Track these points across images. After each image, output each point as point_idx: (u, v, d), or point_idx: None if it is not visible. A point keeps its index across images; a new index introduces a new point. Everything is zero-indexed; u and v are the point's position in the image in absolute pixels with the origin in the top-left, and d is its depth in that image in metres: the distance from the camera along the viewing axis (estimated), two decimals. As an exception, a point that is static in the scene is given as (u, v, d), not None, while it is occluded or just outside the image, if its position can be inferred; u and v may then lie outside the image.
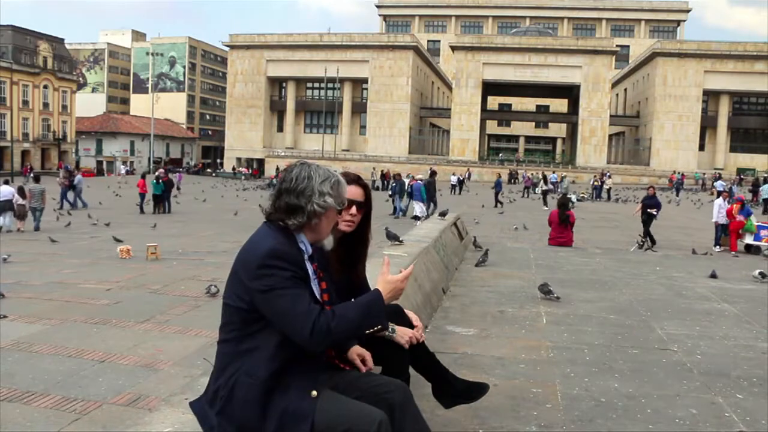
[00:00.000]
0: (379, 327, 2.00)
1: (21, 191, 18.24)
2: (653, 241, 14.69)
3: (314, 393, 1.97)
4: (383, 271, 2.09)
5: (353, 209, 2.52)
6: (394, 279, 2.07)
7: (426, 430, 2.13)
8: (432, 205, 22.33)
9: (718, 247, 14.91)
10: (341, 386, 2.11)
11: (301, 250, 2.04)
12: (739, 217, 14.36)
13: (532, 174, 43.50)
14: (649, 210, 15.80)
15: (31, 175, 29.78)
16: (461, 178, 41.57)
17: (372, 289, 2.11)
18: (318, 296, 2.08)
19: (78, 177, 26.15)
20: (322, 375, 2.07)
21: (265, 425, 1.93)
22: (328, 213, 2.06)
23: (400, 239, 6.63)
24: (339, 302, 2.13)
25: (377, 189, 38.25)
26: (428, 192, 23.28)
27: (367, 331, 1.98)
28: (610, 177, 43.16)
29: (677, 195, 42.31)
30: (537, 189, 43.23)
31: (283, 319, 1.90)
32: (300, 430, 1.92)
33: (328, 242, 2.15)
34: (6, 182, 19.71)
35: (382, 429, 1.93)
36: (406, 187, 22.98)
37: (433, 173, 25.04)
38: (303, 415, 1.93)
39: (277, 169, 53.55)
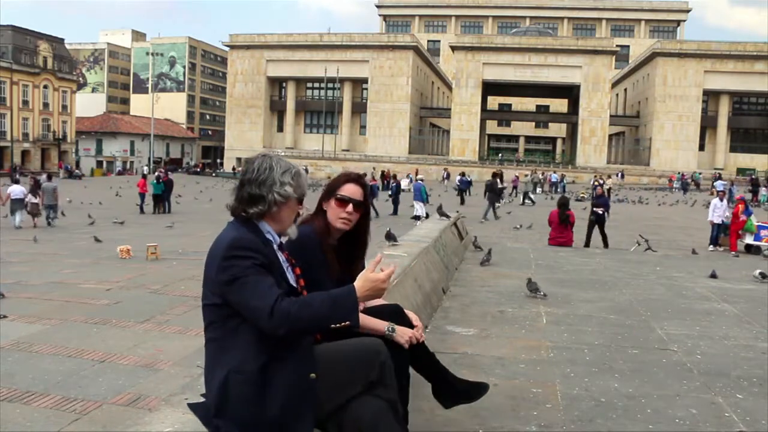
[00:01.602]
0: (347, 323, 1.94)
1: (34, 190, 19.24)
2: (606, 244, 13.88)
3: (313, 375, 1.99)
4: (368, 267, 2.08)
5: (350, 207, 2.53)
6: (375, 277, 2.03)
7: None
8: (491, 207, 22.58)
9: (712, 246, 14.91)
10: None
11: (269, 240, 2.08)
12: (742, 217, 14.38)
13: (531, 173, 42.79)
14: (595, 209, 14.79)
15: (17, 175, 30.12)
16: (468, 179, 41.41)
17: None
18: (293, 282, 2.12)
19: (43, 177, 26.27)
20: (311, 355, 2.07)
21: (267, 417, 1.93)
22: (289, 202, 2.11)
23: (397, 240, 6.65)
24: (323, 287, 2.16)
25: (377, 189, 38.19)
26: (492, 193, 23.35)
27: (333, 326, 1.93)
28: (623, 177, 43.09)
29: (685, 194, 42.44)
30: (537, 190, 43.24)
31: (246, 306, 1.92)
32: (303, 410, 1.94)
33: (292, 232, 2.19)
34: (17, 182, 20.29)
35: (383, 356, 2.05)
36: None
37: (495, 174, 25.56)
38: (304, 403, 1.96)
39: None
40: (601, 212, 14.73)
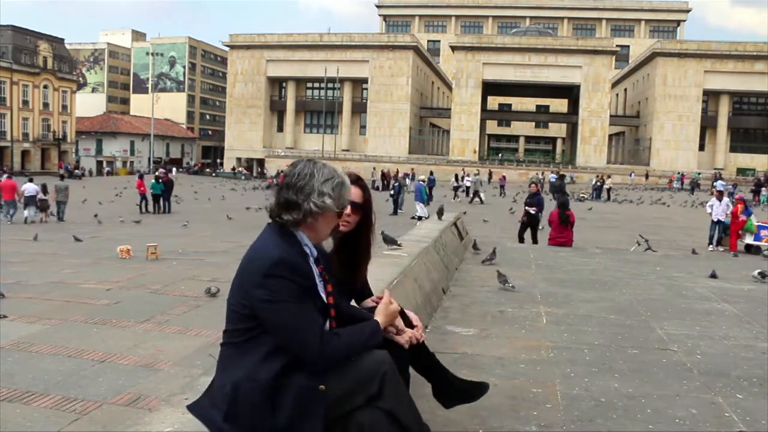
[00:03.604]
0: None
1: (44, 188, 21.32)
2: (535, 240, 13.12)
3: (322, 387, 1.97)
4: (384, 300, 2.19)
5: (348, 209, 2.51)
6: (392, 309, 2.19)
7: (406, 396, 2.16)
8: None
9: (711, 246, 14.91)
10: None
11: (306, 254, 2.03)
12: (742, 217, 14.39)
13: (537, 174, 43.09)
14: (527, 208, 13.71)
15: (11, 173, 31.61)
16: (473, 179, 41.31)
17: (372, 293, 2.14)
18: (324, 298, 2.08)
19: (19, 178, 26.98)
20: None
21: (275, 426, 1.92)
22: (326, 214, 2.03)
23: (398, 243, 6.54)
24: (342, 304, 2.18)
25: (377, 189, 38.32)
26: (558, 193, 23.61)
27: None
28: (647, 177, 43.61)
29: (692, 193, 42.62)
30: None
31: (287, 334, 1.91)
32: (311, 422, 1.93)
33: (326, 244, 2.17)
34: (30, 180, 22.10)
35: (386, 366, 2.03)
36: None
37: (562, 176, 26.18)
38: (314, 413, 1.94)
39: (277, 172, 52.82)
40: (533, 212, 13.62)
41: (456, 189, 34.31)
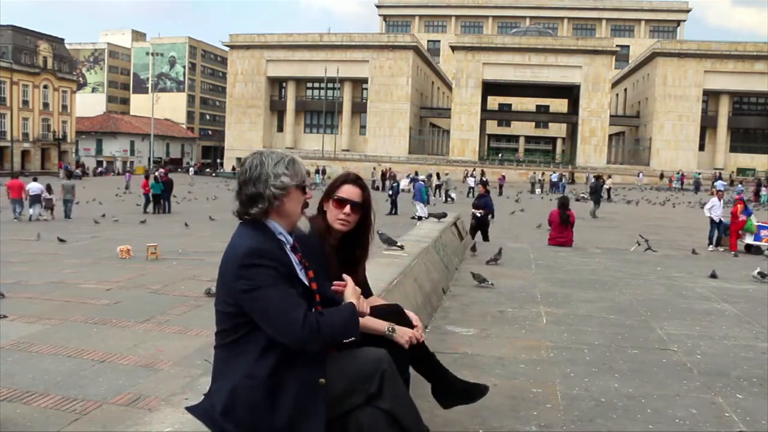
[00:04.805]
0: (352, 339, 2.05)
1: (48, 188, 21.96)
2: (485, 238, 12.58)
3: (322, 381, 1.98)
4: (349, 284, 2.13)
5: (347, 208, 2.52)
6: (358, 290, 2.13)
7: (406, 396, 2.16)
8: (597, 206, 23.86)
9: (712, 246, 14.91)
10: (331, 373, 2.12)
11: (282, 242, 2.04)
12: (742, 217, 14.38)
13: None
14: (474, 210, 13.21)
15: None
16: (484, 179, 41.05)
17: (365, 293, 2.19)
18: (306, 284, 2.09)
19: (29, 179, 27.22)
20: (322, 361, 2.06)
21: (276, 424, 1.92)
22: (290, 193, 2.04)
23: (398, 244, 6.46)
24: (329, 291, 2.19)
25: (377, 189, 38.33)
26: (595, 194, 24.14)
27: (344, 341, 2.03)
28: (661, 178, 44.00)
29: (696, 193, 42.61)
30: (536, 190, 43.38)
31: (271, 318, 1.89)
32: (312, 417, 1.93)
33: (303, 224, 2.14)
34: (34, 179, 22.59)
35: (385, 365, 2.03)
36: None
37: (598, 177, 27.05)
38: (315, 408, 1.94)
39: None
40: (480, 215, 13.05)
41: (438, 187, 35.20)
